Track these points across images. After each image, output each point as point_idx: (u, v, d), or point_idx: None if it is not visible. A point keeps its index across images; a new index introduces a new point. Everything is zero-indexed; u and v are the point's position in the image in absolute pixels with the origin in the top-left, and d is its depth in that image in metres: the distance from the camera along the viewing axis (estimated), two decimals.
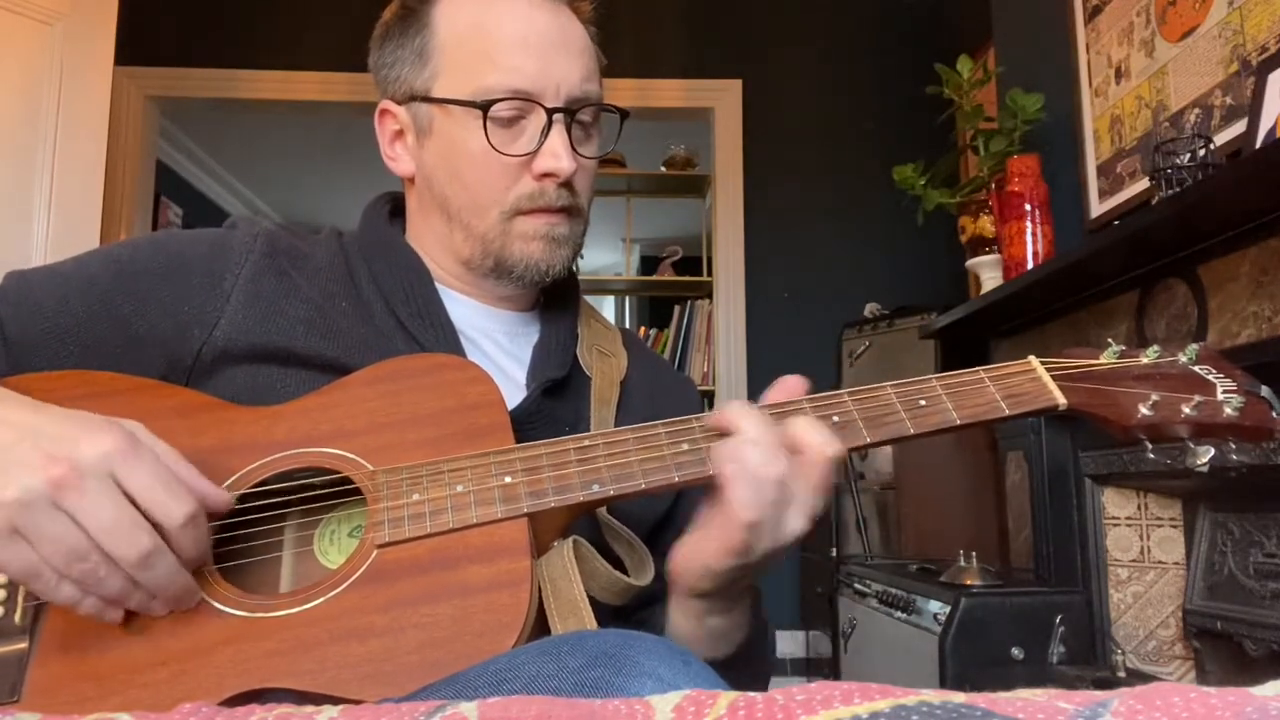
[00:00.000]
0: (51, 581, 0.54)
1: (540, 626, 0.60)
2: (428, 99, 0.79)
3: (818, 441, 0.61)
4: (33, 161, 2.34)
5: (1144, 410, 0.67)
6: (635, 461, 0.64)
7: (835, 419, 0.66)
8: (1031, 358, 0.70)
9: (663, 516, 0.84)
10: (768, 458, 0.60)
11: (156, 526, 0.55)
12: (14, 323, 0.71)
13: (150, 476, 0.55)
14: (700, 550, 0.63)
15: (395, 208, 0.88)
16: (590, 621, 0.60)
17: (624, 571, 0.71)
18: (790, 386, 0.66)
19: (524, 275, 0.80)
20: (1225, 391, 0.68)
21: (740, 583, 0.65)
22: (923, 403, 0.67)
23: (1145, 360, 0.71)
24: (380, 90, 0.84)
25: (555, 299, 0.87)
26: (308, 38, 3.23)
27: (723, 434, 0.63)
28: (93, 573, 0.54)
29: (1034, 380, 0.69)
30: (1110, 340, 0.73)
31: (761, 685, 0.72)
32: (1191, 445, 0.68)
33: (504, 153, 0.76)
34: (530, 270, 0.79)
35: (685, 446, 0.64)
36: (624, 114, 0.84)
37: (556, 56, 0.77)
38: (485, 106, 0.75)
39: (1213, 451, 0.68)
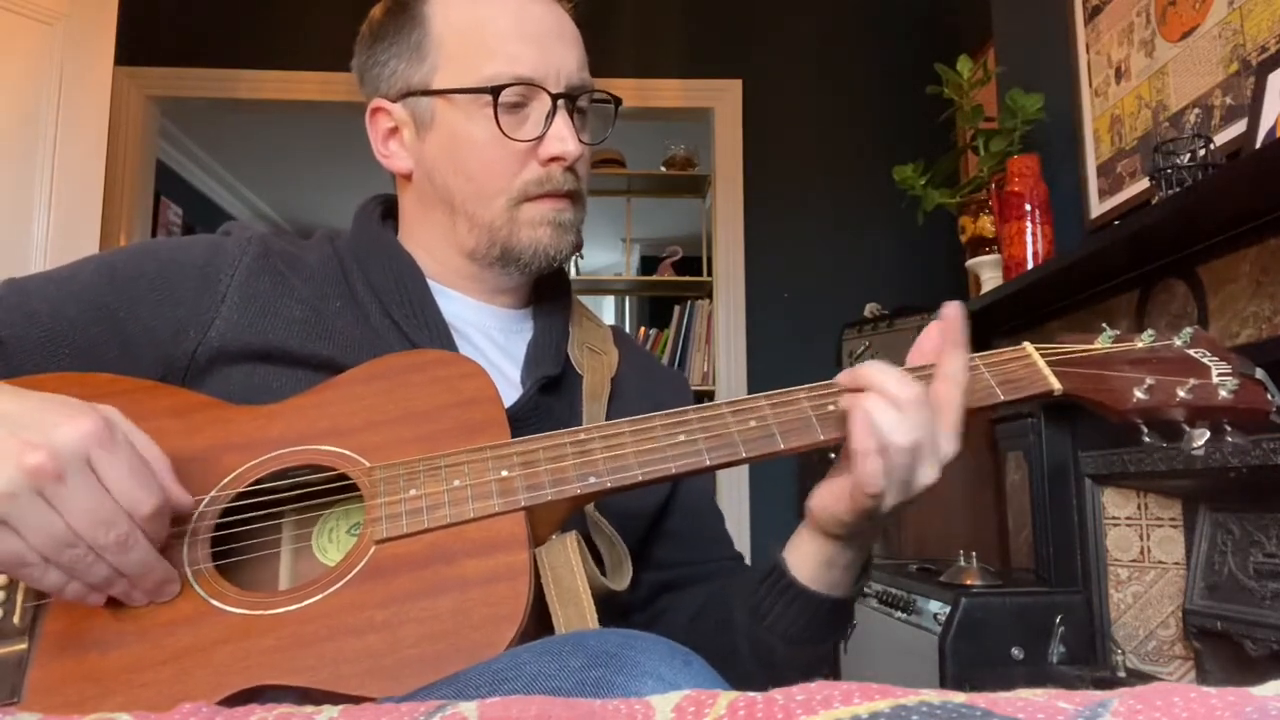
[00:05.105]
0: (38, 569, 0.54)
1: (539, 616, 0.60)
2: (429, 92, 0.79)
3: (950, 382, 0.64)
4: (33, 161, 2.34)
5: (1139, 394, 0.67)
6: (631, 454, 0.64)
7: (831, 407, 0.66)
8: (1026, 344, 0.71)
9: (655, 516, 0.85)
10: (902, 424, 0.61)
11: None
12: (9, 328, 0.72)
13: (124, 464, 0.55)
14: (834, 505, 0.66)
15: (387, 209, 0.89)
16: (590, 611, 0.61)
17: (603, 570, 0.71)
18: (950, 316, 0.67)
19: (531, 262, 0.80)
20: (1220, 374, 0.68)
21: (873, 528, 0.68)
22: None
23: (1140, 345, 0.71)
24: (369, 89, 0.84)
25: (548, 296, 0.87)
26: (308, 38, 3.22)
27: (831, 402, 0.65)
28: (81, 559, 0.54)
29: (1028, 366, 0.69)
30: (1105, 325, 0.73)
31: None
32: (1187, 429, 0.68)
33: (512, 137, 0.77)
34: (538, 257, 0.80)
35: (681, 438, 0.65)
36: (617, 101, 0.85)
37: (554, 44, 0.79)
38: (495, 91, 0.76)
39: (1208, 434, 0.68)
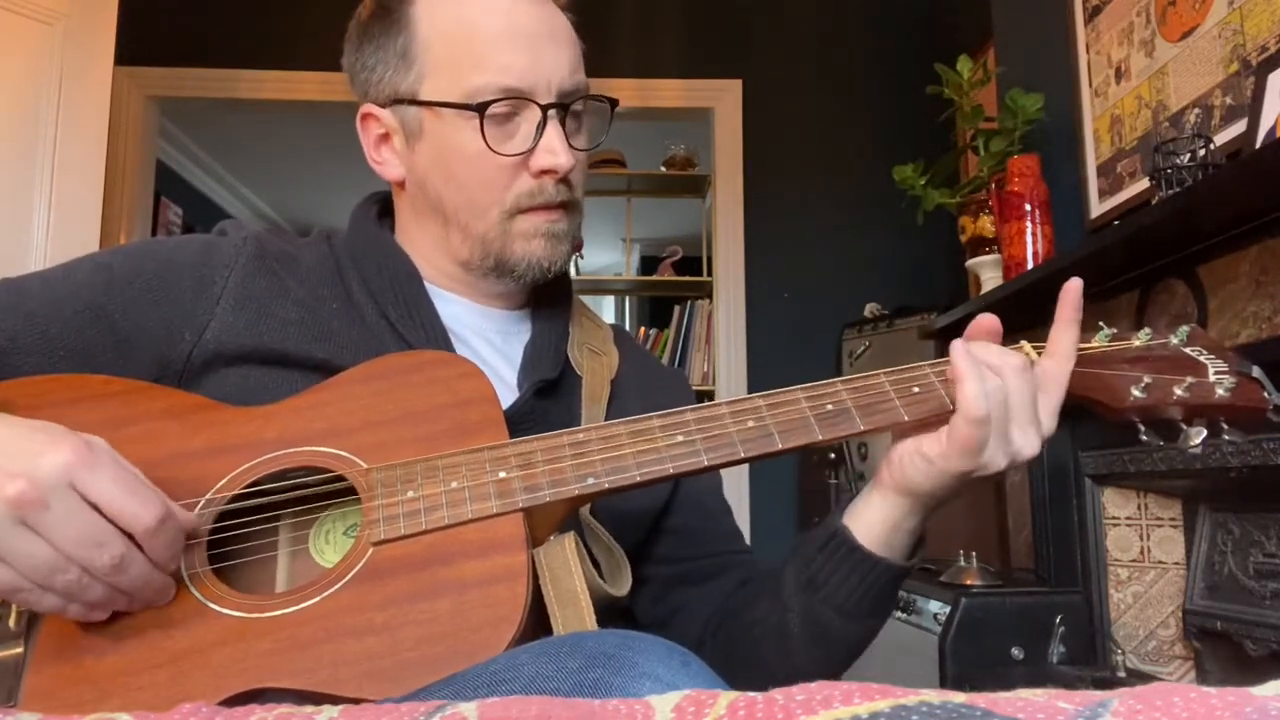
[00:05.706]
0: (34, 594, 0.54)
1: (538, 617, 0.60)
2: (415, 102, 0.77)
3: (1060, 359, 0.67)
4: (33, 161, 2.34)
5: (1136, 393, 0.68)
6: (629, 454, 0.64)
7: (829, 407, 0.66)
8: (1023, 342, 0.71)
9: (656, 517, 0.84)
10: (999, 359, 0.65)
11: (127, 532, 0.55)
12: (5, 329, 0.71)
13: (113, 483, 0.55)
14: (929, 448, 0.66)
15: (383, 208, 0.88)
16: (589, 613, 0.61)
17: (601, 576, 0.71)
18: (985, 325, 0.70)
19: (525, 274, 0.80)
20: (1217, 372, 0.68)
21: (951, 494, 0.68)
22: (916, 389, 0.67)
23: (1137, 343, 0.71)
24: (359, 92, 0.83)
25: (547, 297, 0.86)
26: (308, 38, 3.22)
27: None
28: (75, 583, 0.54)
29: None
30: (1101, 324, 0.73)
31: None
32: (1185, 427, 0.69)
33: (500, 152, 0.75)
34: (532, 268, 0.79)
35: (679, 438, 0.64)
36: (613, 103, 0.83)
37: (545, 49, 0.76)
38: (481, 109, 0.74)
39: (1205, 432, 0.68)
